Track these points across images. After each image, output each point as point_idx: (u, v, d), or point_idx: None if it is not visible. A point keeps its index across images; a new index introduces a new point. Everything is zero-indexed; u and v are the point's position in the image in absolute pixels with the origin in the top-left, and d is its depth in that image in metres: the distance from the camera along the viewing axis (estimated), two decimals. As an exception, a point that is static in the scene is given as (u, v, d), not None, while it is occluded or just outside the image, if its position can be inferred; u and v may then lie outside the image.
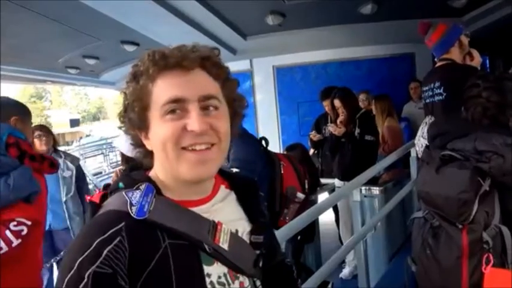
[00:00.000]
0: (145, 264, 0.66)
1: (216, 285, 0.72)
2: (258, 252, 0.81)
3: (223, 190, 0.84)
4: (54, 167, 1.92)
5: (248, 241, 0.81)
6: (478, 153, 1.31)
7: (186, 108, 0.70)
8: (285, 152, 3.21)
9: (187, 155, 0.70)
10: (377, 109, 4.27)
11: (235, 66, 6.08)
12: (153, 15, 3.72)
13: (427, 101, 2.45)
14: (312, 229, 3.01)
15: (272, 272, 0.89)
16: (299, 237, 3.07)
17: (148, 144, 0.76)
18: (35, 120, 32.98)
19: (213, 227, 0.74)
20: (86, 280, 0.61)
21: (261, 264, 0.82)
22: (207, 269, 0.72)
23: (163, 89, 0.71)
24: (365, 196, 3.16)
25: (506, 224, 1.28)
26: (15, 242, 1.58)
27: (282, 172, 1.89)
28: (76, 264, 0.62)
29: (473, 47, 2.48)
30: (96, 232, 0.66)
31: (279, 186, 2.06)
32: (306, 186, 2.06)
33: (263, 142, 2.17)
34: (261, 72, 6.32)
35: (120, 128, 0.79)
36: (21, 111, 1.97)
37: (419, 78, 4.95)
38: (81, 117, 40.49)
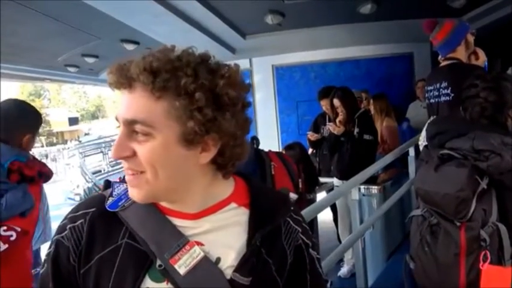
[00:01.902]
0: (95, 252, 0.69)
1: None
2: None
3: (232, 207, 0.74)
4: (48, 179, 1.97)
5: (228, 276, 0.68)
6: (476, 152, 1.32)
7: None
8: (283, 151, 3.21)
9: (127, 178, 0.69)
10: (375, 109, 4.28)
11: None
12: (153, 14, 3.72)
13: (432, 101, 2.41)
14: (310, 228, 3.02)
15: None
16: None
17: None
18: (34, 119, 32.79)
19: (180, 245, 0.68)
20: (53, 244, 0.71)
21: None
22: (150, 283, 0.67)
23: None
24: (363, 195, 3.18)
25: (504, 222, 1.29)
26: (3, 247, 1.61)
27: (273, 173, 1.80)
28: (56, 229, 0.73)
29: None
30: (75, 208, 0.74)
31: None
32: (300, 186, 2.02)
33: (254, 142, 2.09)
34: (260, 71, 6.32)
35: None
36: (35, 124, 1.95)
37: (418, 78, 4.96)
38: (80, 115, 40.37)
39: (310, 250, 0.80)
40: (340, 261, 3.68)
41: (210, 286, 0.67)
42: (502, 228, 1.26)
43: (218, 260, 0.69)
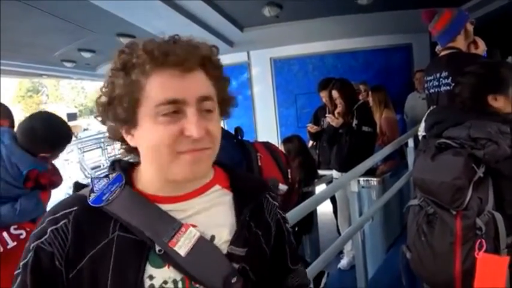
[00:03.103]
0: (85, 251, 0.66)
1: None
2: (236, 266, 0.72)
3: (216, 189, 0.78)
4: (57, 187, 1.99)
5: (225, 251, 0.72)
6: (473, 140, 1.33)
7: (183, 110, 0.66)
8: (282, 144, 3.21)
9: (182, 157, 0.67)
10: (374, 100, 4.27)
11: (232, 58, 6.07)
12: (150, 8, 3.69)
13: (432, 91, 2.39)
14: (310, 220, 3.03)
15: None
16: (297, 228, 3.09)
17: (132, 141, 0.71)
18: (32, 115, 32.75)
19: (175, 228, 0.69)
20: (31, 252, 0.66)
21: (234, 280, 0.70)
22: (152, 270, 0.67)
23: (158, 88, 0.66)
24: (363, 187, 3.18)
25: (500, 211, 1.29)
26: (11, 244, 1.65)
27: (260, 164, 1.77)
28: (30, 237, 0.68)
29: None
30: (52, 211, 0.70)
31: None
32: (289, 176, 1.97)
33: (238, 134, 1.99)
34: (258, 64, 6.30)
35: (96, 117, 0.74)
36: (61, 144, 1.94)
37: (416, 69, 4.94)
38: (79, 111, 40.27)
39: (286, 224, 0.89)
40: (340, 253, 3.69)
41: (210, 263, 0.70)
42: (498, 216, 1.27)
43: (213, 238, 0.72)
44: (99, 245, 0.66)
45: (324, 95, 3.92)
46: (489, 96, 1.44)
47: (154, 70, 0.66)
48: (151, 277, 0.67)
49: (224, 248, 0.72)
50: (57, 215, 0.68)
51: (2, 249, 1.63)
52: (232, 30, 5.02)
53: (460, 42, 2.32)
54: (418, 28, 2.76)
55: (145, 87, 0.66)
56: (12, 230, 1.68)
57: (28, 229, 1.73)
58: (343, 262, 3.64)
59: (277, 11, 4.40)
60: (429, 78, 2.40)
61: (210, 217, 0.74)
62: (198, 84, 0.68)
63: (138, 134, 0.69)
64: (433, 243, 1.40)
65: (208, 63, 0.70)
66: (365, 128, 3.40)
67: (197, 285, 0.69)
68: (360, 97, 4.33)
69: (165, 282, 0.68)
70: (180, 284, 0.69)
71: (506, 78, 1.43)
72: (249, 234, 0.76)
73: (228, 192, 0.79)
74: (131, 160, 0.78)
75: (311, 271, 1.92)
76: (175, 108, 0.65)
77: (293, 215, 1.65)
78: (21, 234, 1.70)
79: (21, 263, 0.67)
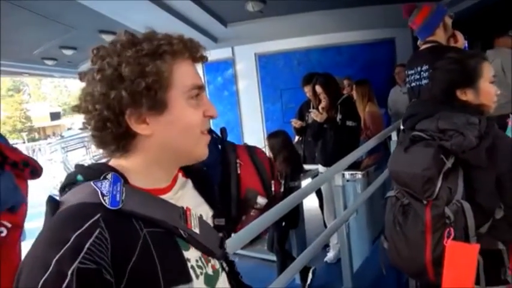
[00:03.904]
0: (128, 255, 0.62)
1: (196, 269, 0.73)
2: (221, 234, 0.85)
3: (180, 178, 0.84)
4: (36, 174, 1.88)
5: (212, 224, 0.84)
6: (441, 132, 1.37)
7: (201, 95, 0.76)
8: (266, 140, 3.20)
9: (204, 138, 0.77)
10: (358, 94, 4.30)
11: (217, 54, 6.03)
12: (132, 4, 3.64)
13: (413, 84, 2.42)
14: (296, 214, 3.04)
15: None
16: (283, 223, 3.10)
17: (145, 129, 0.70)
18: (14, 114, 32.16)
19: (183, 212, 0.75)
20: (69, 278, 0.55)
21: (225, 246, 0.85)
22: (186, 254, 0.72)
23: (185, 74, 0.74)
24: (347, 180, 3.21)
25: (471, 200, 1.32)
26: None
27: (239, 172, 1.68)
28: (53, 262, 0.56)
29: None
30: (72, 226, 0.60)
31: (235, 189, 1.77)
32: (273, 189, 1.84)
33: (222, 135, 1.87)
34: (243, 60, 6.28)
35: (77, 108, 0.71)
36: None
37: (400, 63, 4.99)
38: (62, 110, 39.66)
39: None
40: (326, 247, 3.73)
41: (211, 236, 0.80)
42: (466, 205, 1.30)
43: (201, 216, 0.80)
44: (138, 245, 0.64)
45: (307, 89, 3.93)
46: (458, 90, 1.46)
47: (176, 58, 0.72)
48: (188, 260, 0.72)
49: (210, 222, 0.84)
50: (85, 227, 0.60)
51: None
52: (216, 26, 4.99)
53: (440, 36, 2.36)
54: (401, 22, 2.79)
55: (173, 73, 0.71)
56: None
57: (9, 225, 1.65)
58: (330, 255, 3.67)
59: (261, 6, 4.39)
60: (411, 72, 2.44)
61: (190, 200, 0.81)
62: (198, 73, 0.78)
63: (166, 119, 0.71)
64: (407, 233, 1.44)
65: (203, 58, 0.78)
66: (349, 123, 3.42)
67: (210, 258, 0.79)
68: (344, 92, 4.35)
69: (197, 260, 0.75)
70: (202, 260, 0.77)
71: (473, 72, 1.45)
72: (219, 207, 0.89)
73: (186, 179, 0.87)
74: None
75: (298, 264, 1.94)
76: (199, 93, 0.75)
77: (279, 210, 1.65)
78: (1, 232, 1.64)
79: None
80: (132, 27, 4.47)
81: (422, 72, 2.31)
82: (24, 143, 24.58)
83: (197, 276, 0.73)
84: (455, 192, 1.32)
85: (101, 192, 0.65)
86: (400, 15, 2.61)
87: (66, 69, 7.35)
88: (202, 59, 0.78)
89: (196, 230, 0.76)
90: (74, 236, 0.58)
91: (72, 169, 0.74)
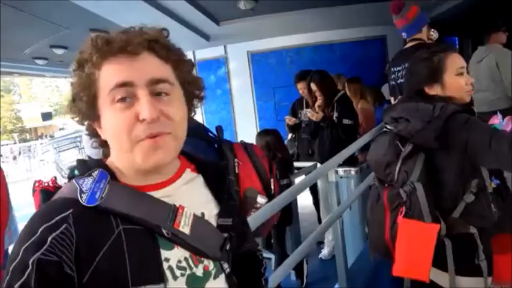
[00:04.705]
0: (95, 250, 0.64)
1: (175, 270, 0.71)
2: (226, 235, 0.79)
3: (188, 173, 0.82)
4: None
5: (215, 224, 0.79)
6: (394, 120, 1.49)
7: (135, 94, 0.67)
8: (256, 139, 3.19)
9: (142, 144, 0.67)
10: (350, 92, 4.32)
11: (209, 52, 6.03)
12: (123, 2, 3.62)
13: (399, 81, 2.48)
14: (289, 211, 3.05)
15: (238, 260, 0.87)
16: (277, 221, 3.11)
17: (102, 134, 0.73)
18: (4, 115, 31.79)
19: (173, 211, 0.73)
20: (30, 268, 0.59)
21: (228, 247, 0.79)
22: (165, 253, 0.70)
23: (110, 75, 0.68)
24: (341, 177, 3.23)
25: (436, 183, 1.40)
26: None
27: (238, 172, 1.64)
28: (21, 252, 0.61)
29: (443, 28, 2.57)
30: (43, 219, 0.64)
31: (234, 188, 1.74)
32: (272, 187, 1.81)
33: (218, 134, 1.81)
34: (235, 58, 6.28)
35: (73, 118, 0.75)
36: None
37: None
38: (54, 110, 39.29)
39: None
40: (321, 244, 3.75)
41: (208, 236, 0.77)
42: (418, 186, 1.37)
43: (203, 214, 0.78)
44: (108, 242, 0.65)
45: (300, 86, 3.93)
46: (425, 87, 1.54)
47: (103, 60, 0.68)
48: (167, 259, 0.70)
49: (213, 221, 0.79)
50: (53, 221, 0.63)
51: None
52: (208, 24, 4.98)
53: (424, 34, 2.51)
54: (391, 21, 2.81)
55: (99, 78, 0.69)
56: None
57: None
58: (324, 252, 3.69)
59: (253, 4, 4.39)
60: (397, 68, 2.50)
61: (193, 197, 0.79)
62: (148, 66, 0.69)
63: (103, 126, 0.71)
64: (374, 215, 1.59)
65: (157, 45, 0.70)
66: (345, 121, 3.40)
67: (202, 259, 0.75)
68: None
69: (179, 261, 0.72)
70: (190, 260, 0.73)
71: (437, 68, 1.51)
72: (229, 206, 0.84)
73: (197, 174, 0.84)
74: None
75: (293, 260, 1.95)
76: (127, 93, 0.67)
77: (273, 206, 1.65)
78: None
79: (16, 285, 0.59)
80: (123, 26, 4.43)
81: None
82: (15, 143, 24.30)
83: (175, 277, 0.70)
84: (410, 174, 1.40)
85: (80, 189, 0.68)
86: (391, 13, 2.66)
87: (58, 69, 7.28)
88: (125, 49, 0.67)
89: (185, 230, 0.72)
90: (41, 228, 0.62)
91: (65, 170, 0.76)
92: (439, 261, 1.36)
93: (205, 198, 0.82)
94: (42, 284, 0.59)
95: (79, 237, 0.63)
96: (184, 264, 0.73)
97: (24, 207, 2.30)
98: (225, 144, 1.74)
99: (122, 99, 0.67)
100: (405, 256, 1.38)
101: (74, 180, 0.70)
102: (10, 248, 2.02)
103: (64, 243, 0.62)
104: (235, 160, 1.69)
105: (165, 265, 0.70)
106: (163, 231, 0.70)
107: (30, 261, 0.60)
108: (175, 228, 0.71)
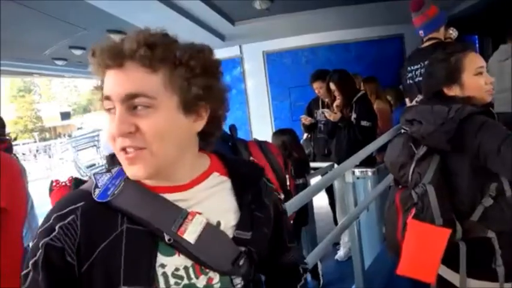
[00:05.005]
0: (95, 245, 0.67)
1: (170, 277, 0.70)
2: (242, 249, 0.76)
3: (215, 177, 0.79)
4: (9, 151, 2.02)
5: (231, 235, 0.76)
6: (409, 122, 1.48)
7: (114, 109, 0.68)
8: (273, 137, 3.18)
9: (120, 155, 0.69)
10: (366, 92, 4.26)
11: (225, 52, 6.04)
12: (139, 3, 3.65)
13: (417, 79, 2.45)
14: (305, 212, 3.03)
15: (273, 273, 0.87)
16: (292, 221, 3.09)
17: None
18: (25, 114, 32.54)
19: (183, 216, 0.71)
20: (40, 250, 0.66)
21: (241, 262, 0.75)
22: (163, 259, 0.70)
23: (104, 85, 0.69)
24: (358, 178, 3.19)
25: (446, 185, 1.38)
26: None
27: None
28: (37, 234, 0.68)
29: (463, 26, 2.54)
30: (57, 208, 0.70)
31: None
32: (288, 183, 1.81)
33: (230, 132, 1.80)
34: (251, 58, 6.27)
35: None
36: None
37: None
38: (72, 109, 40.04)
39: (282, 204, 0.93)
40: (336, 245, 3.71)
41: (217, 247, 0.73)
42: (430, 188, 1.36)
43: (218, 223, 0.75)
44: (109, 238, 0.68)
45: (316, 86, 3.90)
46: (444, 88, 1.51)
47: (102, 69, 0.70)
48: (163, 265, 0.70)
49: (230, 232, 0.76)
50: (64, 211, 0.69)
51: None
52: (223, 24, 4.98)
53: (441, 33, 2.52)
54: (410, 18, 2.76)
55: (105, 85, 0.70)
56: None
57: None
58: (340, 253, 3.66)
59: (269, 4, 4.36)
60: (415, 67, 2.49)
61: (213, 204, 0.76)
62: (126, 80, 0.66)
63: None
64: (389, 216, 1.58)
65: (137, 54, 0.66)
66: (364, 123, 3.34)
67: (207, 270, 0.72)
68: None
69: (177, 269, 0.71)
70: (191, 270, 0.71)
71: (454, 68, 1.48)
72: (252, 218, 0.79)
73: (226, 178, 0.81)
74: None
75: (309, 262, 1.93)
76: (110, 105, 0.68)
77: (289, 207, 1.64)
78: None
79: (30, 262, 0.67)
80: (139, 26, 4.48)
81: None
82: (35, 142, 24.85)
83: (168, 285, 0.70)
84: (423, 176, 1.39)
85: (96, 184, 0.72)
86: (409, 11, 2.63)
87: (77, 69, 7.40)
88: (112, 62, 0.67)
89: (190, 238, 0.70)
90: (53, 216, 0.69)
91: (83, 168, 0.79)
92: (454, 263, 1.36)
93: (227, 206, 0.78)
94: (47, 266, 0.66)
95: (83, 229, 0.67)
96: (182, 273, 0.71)
97: (44, 205, 2.34)
98: (239, 142, 1.74)
99: (109, 110, 0.69)
100: (411, 256, 1.37)
101: (93, 175, 0.73)
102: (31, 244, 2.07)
103: (68, 233, 0.67)
104: (251, 158, 1.68)
105: (160, 271, 0.69)
106: (165, 236, 0.69)
107: (40, 244, 0.67)
108: (178, 235, 0.70)
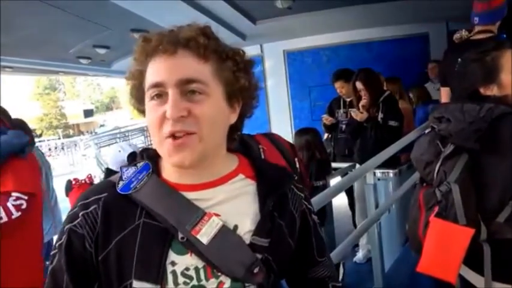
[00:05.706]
0: (113, 235, 0.70)
1: (179, 276, 0.69)
2: (259, 256, 0.72)
3: (240, 179, 0.78)
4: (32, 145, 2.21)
5: (248, 241, 0.72)
6: (437, 119, 1.45)
7: (167, 93, 0.67)
8: (295, 137, 3.16)
9: (166, 142, 0.68)
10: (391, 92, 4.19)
11: (245, 51, 6.05)
12: (162, 2, 3.69)
13: None
14: (323, 212, 3.00)
15: (301, 287, 0.86)
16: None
17: None
18: (50, 112, 33.42)
19: (199, 216, 0.71)
20: (65, 234, 0.71)
21: (256, 270, 0.71)
22: (174, 257, 0.70)
23: (149, 74, 0.70)
24: (379, 179, 3.13)
25: (473, 184, 1.34)
26: (16, 214, 1.77)
27: (264, 157, 1.58)
28: (65, 220, 0.74)
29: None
30: (84, 196, 0.74)
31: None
32: (297, 166, 1.83)
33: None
34: (271, 57, 6.27)
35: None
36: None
37: (434, 59, 4.83)
38: (95, 107, 40.91)
39: (313, 215, 0.88)
40: (355, 247, 3.67)
41: (231, 252, 0.71)
42: (454, 187, 1.33)
43: (236, 227, 0.73)
44: (125, 230, 0.70)
45: (338, 85, 3.85)
46: (481, 88, 1.46)
47: (146, 58, 0.71)
48: (173, 263, 0.70)
49: (247, 237, 0.73)
50: (89, 200, 0.72)
51: (8, 219, 1.74)
52: (244, 23, 4.99)
53: (495, 28, 2.36)
54: (434, 17, 2.68)
55: (146, 75, 0.72)
56: (12, 201, 1.78)
57: (26, 197, 1.82)
58: (359, 255, 3.61)
59: (290, 2, 4.35)
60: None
61: (234, 206, 0.74)
62: (181, 66, 0.68)
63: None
64: (412, 213, 1.55)
65: (193, 43, 0.69)
66: (391, 123, 3.25)
67: (219, 274, 0.70)
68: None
69: (187, 269, 0.70)
70: (201, 272, 0.70)
71: (491, 67, 1.43)
72: (273, 225, 0.76)
73: (252, 181, 0.79)
74: None
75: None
76: (158, 91, 0.68)
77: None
78: (21, 204, 1.80)
79: (57, 244, 0.72)
80: (162, 26, 4.53)
81: None
82: (59, 139, 25.49)
83: (176, 284, 0.69)
84: (448, 174, 1.36)
85: (121, 176, 0.75)
86: (434, 9, 2.53)
87: (100, 68, 7.56)
88: (165, 49, 0.68)
89: (203, 239, 0.69)
90: (79, 204, 0.73)
91: (105, 165, 0.81)
92: (478, 265, 1.33)
93: (248, 210, 0.75)
94: (69, 250, 0.70)
95: (102, 219, 0.70)
96: (191, 273, 0.70)
97: (66, 200, 2.41)
98: (247, 136, 1.76)
99: (156, 97, 0.69)
100: (432, 254, 1.35)
101: (120, 167, 0.76)
102: (54, 238, 2.19)
103: (89, 221, 0.71)
104: (260, 146, 1.66)
105: (170, 268, 0.69)
106: (179, 234, 0.70)
107: (65, 229, 0.72)
108: (192, 234, 0.69)
